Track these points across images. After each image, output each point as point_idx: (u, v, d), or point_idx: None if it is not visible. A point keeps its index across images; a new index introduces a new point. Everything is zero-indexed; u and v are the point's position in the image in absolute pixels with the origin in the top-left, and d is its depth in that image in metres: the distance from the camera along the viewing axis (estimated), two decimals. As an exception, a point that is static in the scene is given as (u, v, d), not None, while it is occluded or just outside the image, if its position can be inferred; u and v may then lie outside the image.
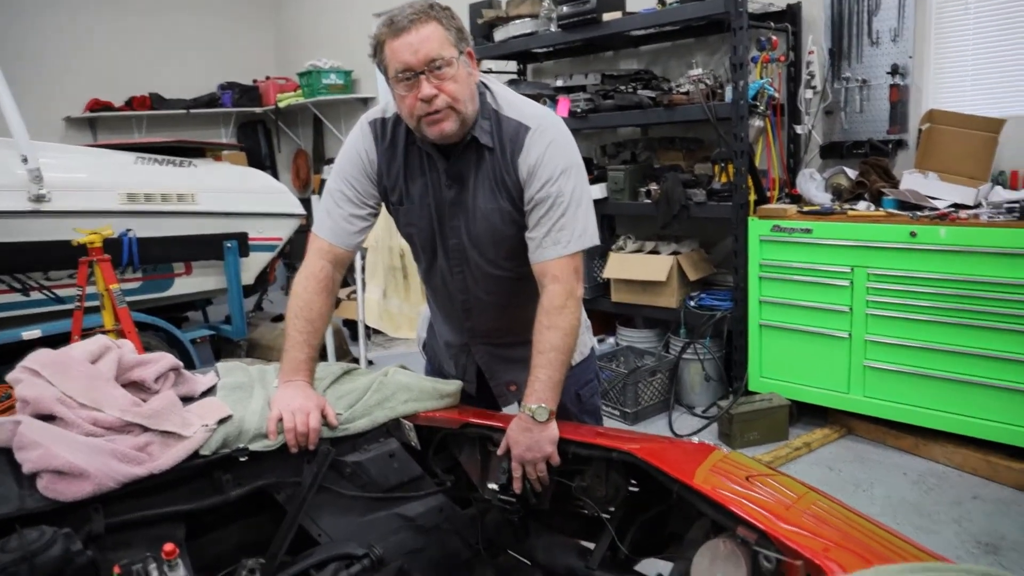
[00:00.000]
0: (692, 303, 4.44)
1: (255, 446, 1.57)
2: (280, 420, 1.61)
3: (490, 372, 2.03)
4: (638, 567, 1.61)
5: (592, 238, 1.77)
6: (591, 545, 1.64)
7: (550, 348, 1.66)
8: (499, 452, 1.69)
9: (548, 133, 1.72)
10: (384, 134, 1.82)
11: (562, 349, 1.67)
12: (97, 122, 7.98)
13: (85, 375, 1.55)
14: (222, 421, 1.57)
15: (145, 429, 1.50)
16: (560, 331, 1.67)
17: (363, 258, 4.51)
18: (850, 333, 3.75)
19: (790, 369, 4.01)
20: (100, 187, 4.33)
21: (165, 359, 1.72)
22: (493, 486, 1.69)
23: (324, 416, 1.66)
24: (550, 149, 1.70)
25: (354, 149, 1.83)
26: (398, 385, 1.80)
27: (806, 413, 4.07)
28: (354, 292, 4.90)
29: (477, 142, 1.74)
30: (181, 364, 1.77)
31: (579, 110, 4.72)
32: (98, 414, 1.49)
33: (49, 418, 1.46)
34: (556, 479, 1.69)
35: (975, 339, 3.39)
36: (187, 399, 1.68)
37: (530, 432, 1.63)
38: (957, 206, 3.62)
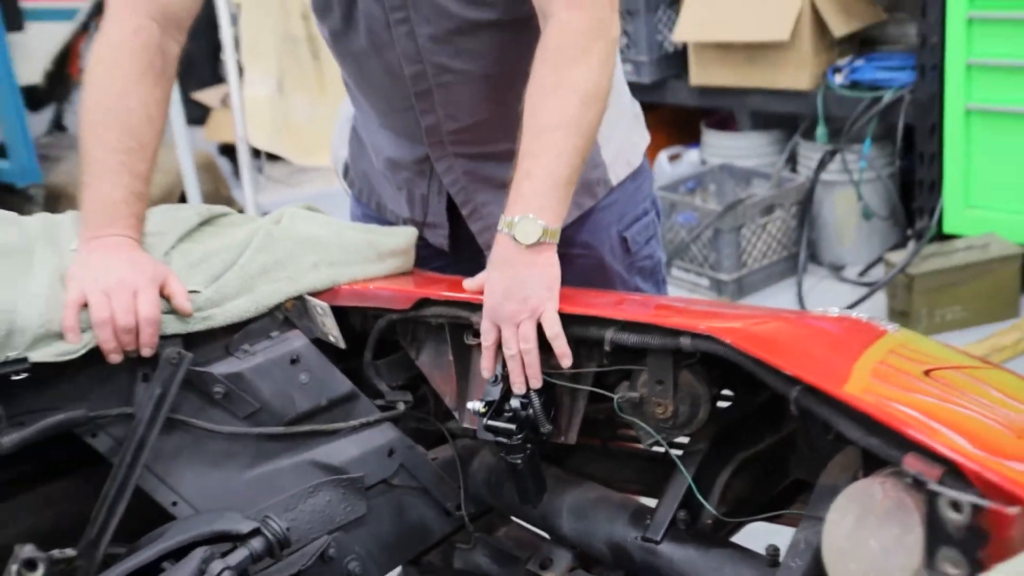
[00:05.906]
0: (838, 79, 3.53)
1: (39, 354, 1.23)
2: (86, 306, 1.25)
3: (471, 206, 1.59)
4: (738, 536, 1.27)
5: None
6: (653, 503, 1.31)
7: (556, 124, 1.25)
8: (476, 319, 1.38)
9: None
10: None
11: (577, 126, 1.26)
12: None
13: None
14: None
15: None
16: (575, 94, 1.26)
17: (234, 23, 3.59)
18: None
19: None
20: None
21: None
22: (477, 405, 1.32)
23: (167, 296, 1.29)
24: None
25: None
26: (300, 238, 1.44)
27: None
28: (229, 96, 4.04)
29: None
30: None
31: None
32: None
33: None
34: (587, 388, 1.31)
35: None
36: None
37: (509, 267, 1.24)
38: None
